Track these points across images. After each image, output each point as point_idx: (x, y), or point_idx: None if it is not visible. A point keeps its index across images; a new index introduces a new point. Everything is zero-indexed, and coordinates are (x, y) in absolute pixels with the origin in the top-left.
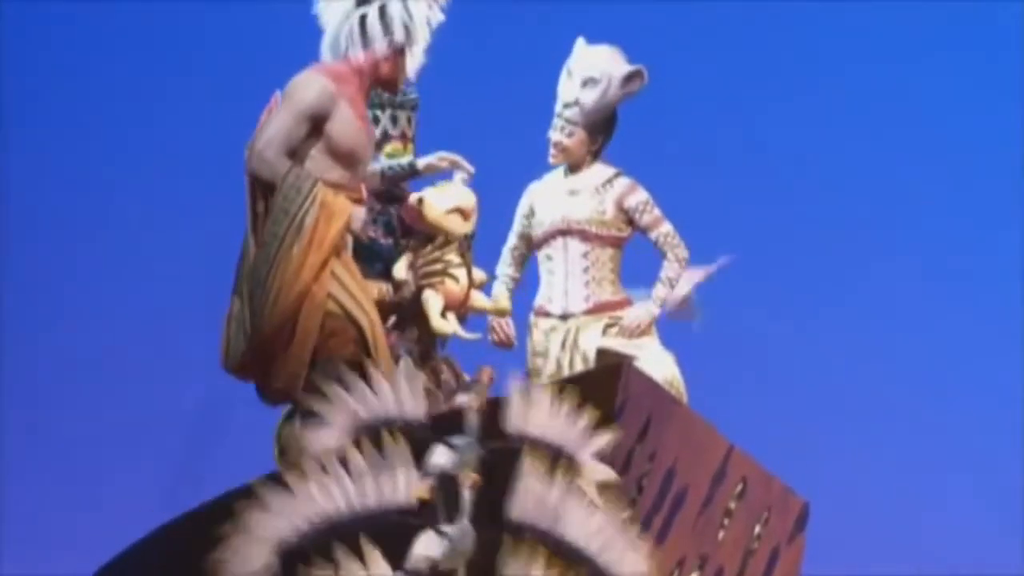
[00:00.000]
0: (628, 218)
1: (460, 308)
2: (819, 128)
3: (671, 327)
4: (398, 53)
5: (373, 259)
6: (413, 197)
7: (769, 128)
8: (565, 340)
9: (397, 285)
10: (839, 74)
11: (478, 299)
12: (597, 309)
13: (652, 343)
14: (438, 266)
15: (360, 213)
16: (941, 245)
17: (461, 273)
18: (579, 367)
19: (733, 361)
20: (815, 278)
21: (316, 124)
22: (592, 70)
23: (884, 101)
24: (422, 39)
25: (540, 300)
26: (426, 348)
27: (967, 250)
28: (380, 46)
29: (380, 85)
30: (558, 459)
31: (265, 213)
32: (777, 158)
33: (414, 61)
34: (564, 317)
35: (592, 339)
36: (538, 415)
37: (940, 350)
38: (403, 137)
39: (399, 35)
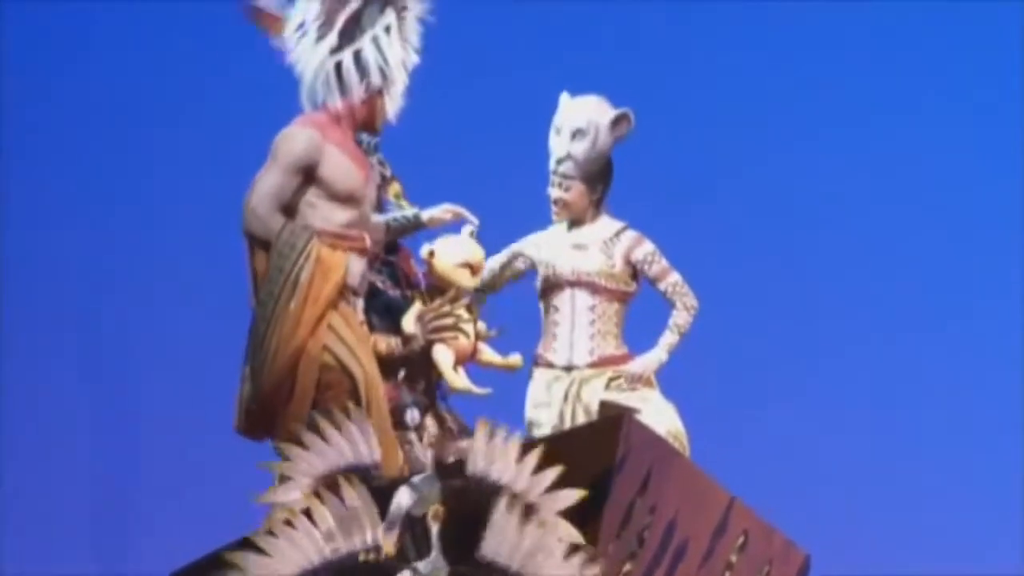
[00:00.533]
0: (634, 272)
1: (468, 360)
2: (814, 153)
3: (673, 378)
4: (376, 96)
5: (382, 311)
6: (424, 250)
7: (763, 152)
8: (568, 392)
9: (406, 338)
10: (834, 90)
11: (486, 353)
12: (601, 363)
13: (654, 395)
14: (449, 320)
15: (357, 267)
16: (940, 272)
17: (470, 327)
18: (581, 419)
19: (735, 412)
20: (815, 320)
21: (308, 174)
22: (579, 121)
23: (880, 116)
24: (400, 81)
25: (542, 350)
26: (431, 399)
27: (966, 283)
28: (357, 92)
29: (362, 129)
30: (524, 508)
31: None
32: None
33: (393, 104)
34: (568, 369)
35: (595, 392)
36: (503, 462)
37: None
38: (393, 177)
39: (375, 79)
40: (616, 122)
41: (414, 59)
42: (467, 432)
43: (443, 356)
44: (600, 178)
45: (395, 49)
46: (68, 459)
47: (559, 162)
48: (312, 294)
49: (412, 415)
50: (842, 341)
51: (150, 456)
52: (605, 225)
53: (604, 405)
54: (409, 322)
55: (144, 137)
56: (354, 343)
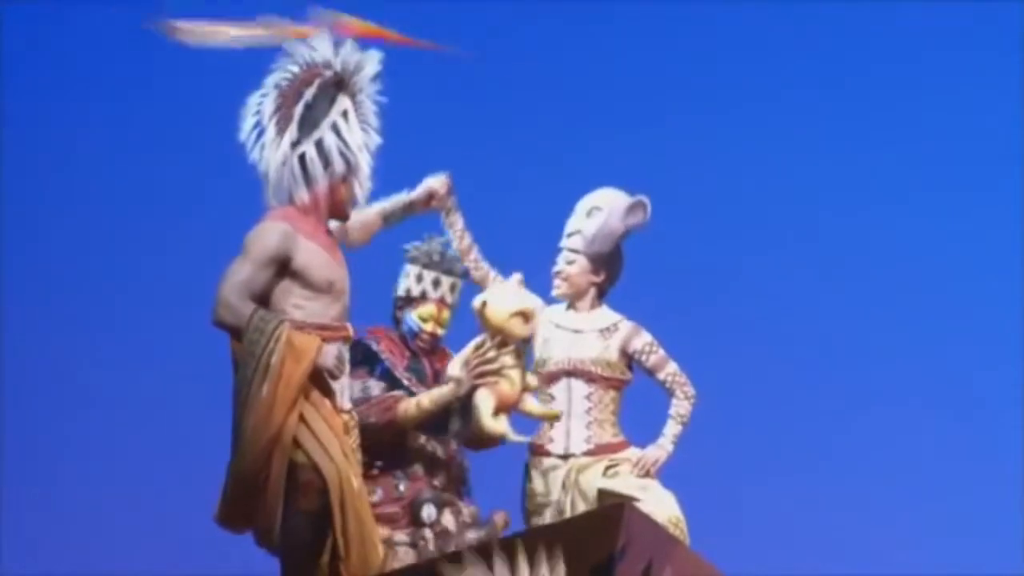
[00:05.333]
0: (630, 363)
1: (510, 409)
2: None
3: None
4: (340, 183)
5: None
6: (476, 301)
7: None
8: (566, 481)
9: (451, 382)
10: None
11: (529, 403)
12: (598, 451)
13: (653, 483)
14: (494, 366)
15: (331, 349)
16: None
17: (515, 375)
18: (580, 508)
19: (734, 498)
20: (809, 403)
21: (282, 267)
22: (596, 201)
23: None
24: (364, 164)
25: (538, 439)
26: (455, 493)
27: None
28: (323, 181)
29: (331, 217)
30: None
31: None
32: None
33: (361, 187)
34: (564, 457)
35: (593, 480)
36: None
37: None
38: (441, 301)
39: (339, 166)
40: (632, 208)
41: (376, 140)
42: (484, 526)
43: (483, 401)
44: (604, 263)
45: (355, 133)
46: (68, 459)
47: (568, 236)
48: (284, 376)
49: (428, 512)
50: (836, 424)
51: (150, 456)
52: (603, 315)
53: (603, 493)
54: (455, 366)
55: (144, 137)
56: (328, 438)
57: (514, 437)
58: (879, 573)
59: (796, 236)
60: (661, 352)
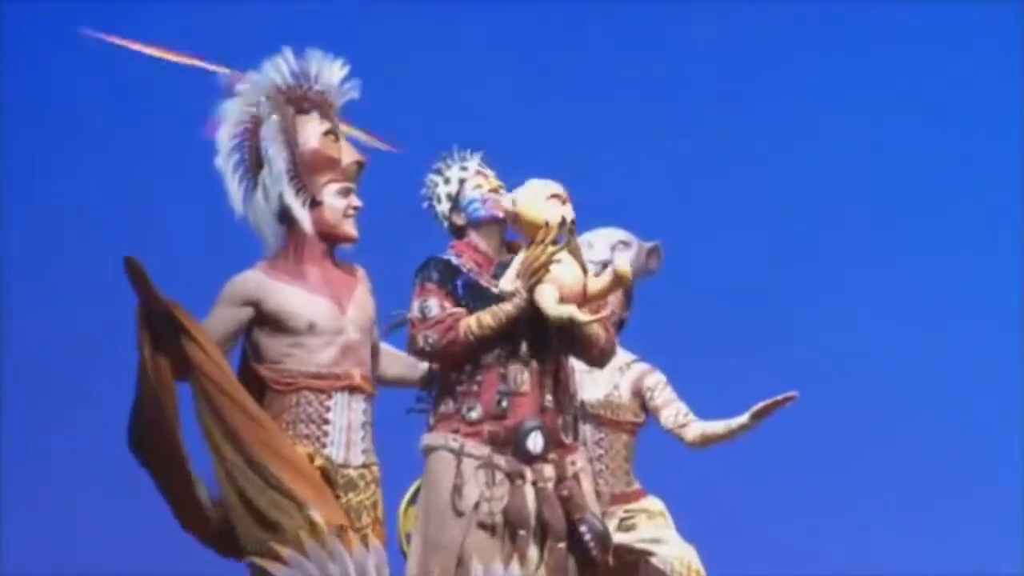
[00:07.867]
0: (642, 402)
1: (581, 301)
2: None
3: (688, 513)
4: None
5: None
6: (506, 201)
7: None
8: None
9: (509, 296)
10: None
11: (594, 284)
12: (612, 501)
13: (671, 535)
14: (543, 258)
15: (343, 405)
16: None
17: (568, 258)
18: None
19: (753, 547)
20: (828, 449)
21: (258, 314)
22: (620, 236)
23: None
24: (287, 190)
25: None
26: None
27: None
28: (274, 223)
29: (330, 242)
30: None
31: None
32: None
33: (302, 219)
34: None
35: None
36: None
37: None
38: (479, 173)
39: (274, 204)
40: (650, 252)
41: (280, 166)
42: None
43: (543, 293)
44: (630, 299)
45: (279, 161)
46: (68, 459)
47: (604, 264)
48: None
49: (535, 441)
50: (838, 431)
51: None
52: (617, 355)
53: (617, 549)
54: (507, 281)
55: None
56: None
57: (583, 318)
58: (879, 573)
59: (792, 237)
60: (670, 392)
